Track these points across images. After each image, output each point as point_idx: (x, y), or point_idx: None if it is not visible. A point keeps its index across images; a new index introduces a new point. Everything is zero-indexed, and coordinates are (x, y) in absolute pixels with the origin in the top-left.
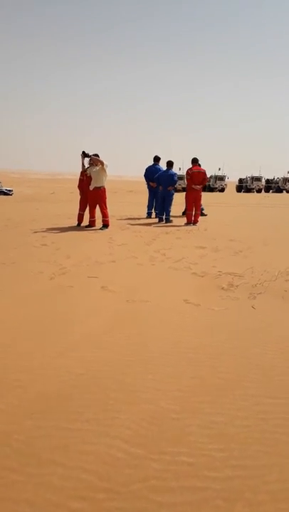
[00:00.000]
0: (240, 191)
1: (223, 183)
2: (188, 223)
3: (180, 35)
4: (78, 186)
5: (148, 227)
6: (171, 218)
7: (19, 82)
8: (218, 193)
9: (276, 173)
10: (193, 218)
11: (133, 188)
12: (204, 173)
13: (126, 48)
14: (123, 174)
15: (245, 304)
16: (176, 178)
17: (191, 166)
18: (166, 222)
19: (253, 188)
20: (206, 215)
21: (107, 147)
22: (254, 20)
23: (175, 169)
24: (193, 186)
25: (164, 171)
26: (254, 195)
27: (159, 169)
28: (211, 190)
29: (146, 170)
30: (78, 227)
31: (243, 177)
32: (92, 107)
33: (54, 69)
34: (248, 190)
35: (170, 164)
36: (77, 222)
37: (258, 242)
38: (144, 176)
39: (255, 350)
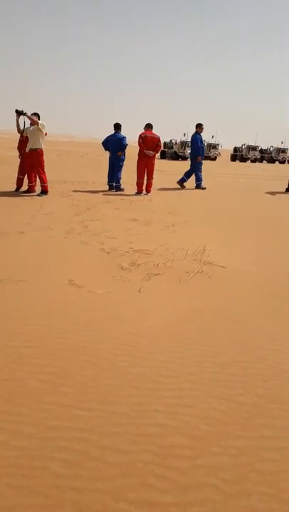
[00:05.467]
0: (234, 160)
1: (216, 151)
2: (138, 193)
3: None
4: (18, 147)
5: (93, 194)
6: (122, 186)
7: None
8: (209, 161)
9: (272, 143)
10: (145, 188)
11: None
12: (158, 139)
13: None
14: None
15: (134, 287)
16: (125, 142)
17: (144, 130)
18: (116, 191)
19: (249, 158)
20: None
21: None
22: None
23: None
24: (145, 151)
25: (112, 134)
26: (243, 164)
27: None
28: (205, 158)
29: (106, 139)
30: (16, 192)
31: (238, 146)
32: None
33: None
34: (243, 160)
35: (118, 127)
36: (15, 187)
37: (197, 216)
38: (102, 143)
39: (106, 344)
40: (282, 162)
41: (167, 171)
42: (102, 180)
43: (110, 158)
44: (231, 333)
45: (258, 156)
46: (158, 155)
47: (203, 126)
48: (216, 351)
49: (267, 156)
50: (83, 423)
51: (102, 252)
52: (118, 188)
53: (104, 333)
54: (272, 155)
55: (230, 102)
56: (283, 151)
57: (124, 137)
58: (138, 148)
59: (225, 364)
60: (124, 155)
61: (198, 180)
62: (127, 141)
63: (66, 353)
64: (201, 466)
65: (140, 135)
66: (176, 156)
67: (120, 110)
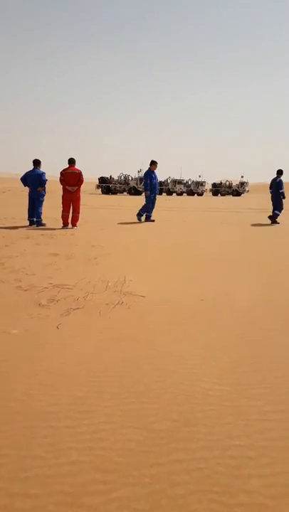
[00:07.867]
0: (160, 194)
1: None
2: (64, 226)
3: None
4: None
5: (12, 230)
6: (43, 221)
7: None
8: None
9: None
10: (70, 221)
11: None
12: (80, 174)
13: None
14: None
15: (52, 324)
16: (44, 177)
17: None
18: (37, 226)
19: (175, 191)
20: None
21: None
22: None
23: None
24: (67, 187)
25: (31, 170)
26: (163, 198)
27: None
28: (171, 193)
29: (24, 175)
30: None
31: (163, 179)
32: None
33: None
34: (170, 193)
35: (37, 163)
36: None
37: (119, 247)
38: (21, 179)
39: (19, 385)
40: (200, 194)
41: (90, 205)
42: (23, 216)
43: (30, 193)
44: (148, 361)
45: (184, 189)
46: (93, 189)
47: (157, 163)
48: (133, 381)
49: (187, 189)
50: None
51: (19, 290)
52: (39, 224)
53: (17, 373)
54: (192, 188)
55: (156, 138)
56: (201, 184)
57: (43, 173)
58: None
59: (141, 393)
60: (44, 190)
61: (143, 211)
62: (48, 176)
63: None
64: (114, 500)
65: (61, 172)
66: (135, 192)
67: (46, 146)
